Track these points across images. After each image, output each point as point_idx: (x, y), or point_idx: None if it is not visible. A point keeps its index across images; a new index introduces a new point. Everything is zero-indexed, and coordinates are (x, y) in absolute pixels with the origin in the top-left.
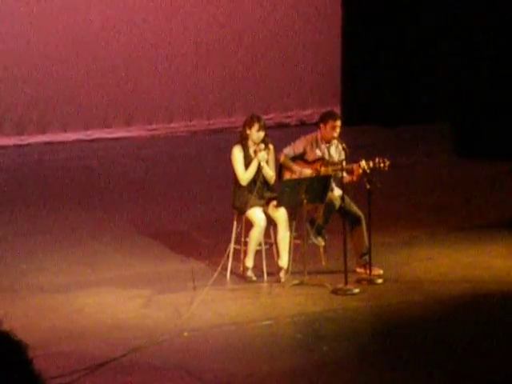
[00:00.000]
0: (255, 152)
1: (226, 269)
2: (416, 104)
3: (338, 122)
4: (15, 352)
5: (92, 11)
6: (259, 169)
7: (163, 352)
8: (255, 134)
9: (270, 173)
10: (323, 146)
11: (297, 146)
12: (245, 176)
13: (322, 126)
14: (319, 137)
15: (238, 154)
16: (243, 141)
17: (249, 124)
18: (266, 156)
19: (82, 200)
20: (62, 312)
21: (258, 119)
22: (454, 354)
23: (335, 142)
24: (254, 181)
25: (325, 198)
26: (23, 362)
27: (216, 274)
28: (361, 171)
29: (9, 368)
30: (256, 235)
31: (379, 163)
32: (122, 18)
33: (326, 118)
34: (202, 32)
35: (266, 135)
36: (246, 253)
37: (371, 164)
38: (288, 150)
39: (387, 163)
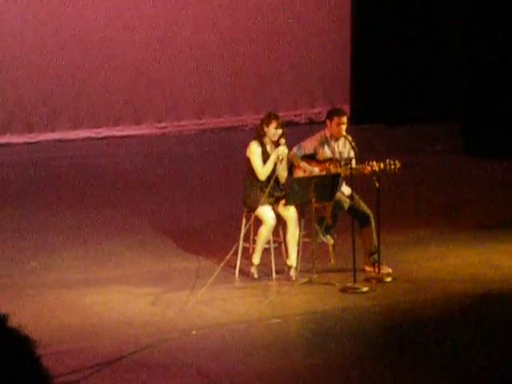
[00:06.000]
0: (274, 147)
1: (234, 267)
2: (425, 102)
3: (344, 119)
4: (23, 348)
5: (102, 9)
6: (274, 167)
7: (172, 350)
8: (272, 130)
9: (283, 172)
10: (333, 143)
11: (307, 147)
12: (263, 170)
13: (328, 122)
14: (328, 134)
15: (256, 148)
16: (260, 138)
17: (266, 121)
18: (286, 151)
19: (91, 198)
20: (71, 309)
21: (276, 117)
22: (462, 353)
23: (343, 138)
24: (267, 179)
25: (333, 196)
26: (30, 357)
27: (217, 271)
28: (366, 172)
29: (16, 363)
30: (265, 233)
31: (390, 165)
32: (132, 16)
33: (332, 114)
34: (211, 30)
35: (283, 133)
36: (254, 250)
37: (382, 165)
38: (297, 150)
39: (398, 165)
